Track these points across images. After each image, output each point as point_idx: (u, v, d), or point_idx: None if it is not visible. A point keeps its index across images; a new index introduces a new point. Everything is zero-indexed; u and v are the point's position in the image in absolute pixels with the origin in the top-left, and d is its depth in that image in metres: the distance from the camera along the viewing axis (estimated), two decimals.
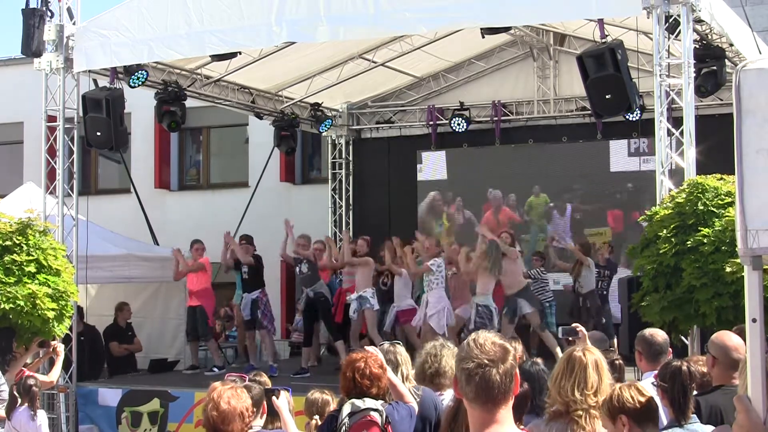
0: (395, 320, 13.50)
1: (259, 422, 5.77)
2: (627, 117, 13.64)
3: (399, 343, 6.30)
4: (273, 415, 6.01)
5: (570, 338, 6.87)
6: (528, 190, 16.77)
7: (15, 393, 8.78)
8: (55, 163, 12.86)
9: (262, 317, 13.92)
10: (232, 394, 4.76)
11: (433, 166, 17.44)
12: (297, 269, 13.77)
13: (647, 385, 5.70)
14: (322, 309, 13.66)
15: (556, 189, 16.63)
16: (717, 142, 10.20)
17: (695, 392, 5.68)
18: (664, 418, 5.53)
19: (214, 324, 15.42)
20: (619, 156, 15.93)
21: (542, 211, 16.68)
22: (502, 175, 17.00)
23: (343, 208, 18.46)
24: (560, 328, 8.07)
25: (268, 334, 14.16)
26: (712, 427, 4.95)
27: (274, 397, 5.85)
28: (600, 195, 16.31)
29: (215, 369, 13.75)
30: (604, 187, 16.27)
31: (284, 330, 17.98)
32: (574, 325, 7.39)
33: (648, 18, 10.37)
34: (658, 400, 5.48)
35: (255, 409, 5.66)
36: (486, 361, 3.10)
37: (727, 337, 5.59)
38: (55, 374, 10.32)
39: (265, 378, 6.98)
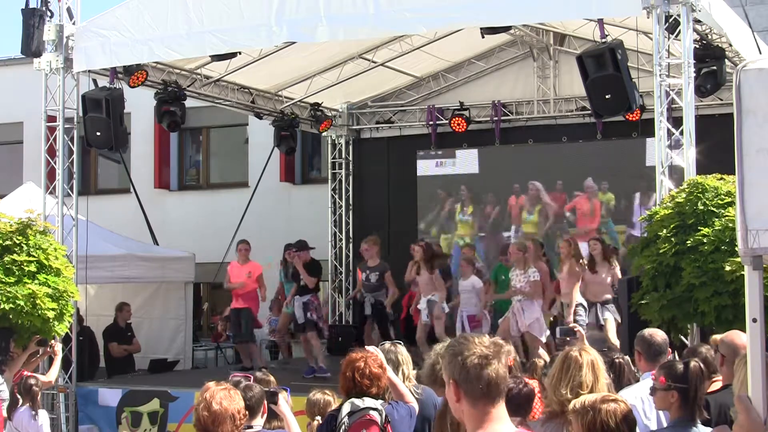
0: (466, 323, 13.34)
1: (259, 422, 5.77)
2: (627, 117, 13.62)
3: (400, 343, 6.31)
4: (271, 416, 6.02)
5: (567, 338, 6.87)
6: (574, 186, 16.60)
7: (16, 393, 8.79)
8: (55, 163, 12.86)
9: (318, 319, 13.77)
10: (224, 395, 4.72)
11: (465, 161, 17.30)
12: (364, 275, 13.74)
13: (645, 386, 5.70)
14: (381, 317, 13.77)
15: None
16: (717, 142, 10.19)
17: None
18: (663, 420, 5.52)
19: (259, 326, 15.22)
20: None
21: (612, 208, 16.41)
22: (535, 171, 16.84)
23: (343, 208, 18.44)
24: (558, 329, 8.08)
25: (317, 335, 13.76)
26: (710, 429, 4.95)
27: (274, 404, 5.86)
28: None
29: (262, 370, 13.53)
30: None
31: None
32: (571, 325, 7.40)
33: (648, 18, 10.36)
34: (650, 403, 5.46)
35: (255, 409, 5.67)
36: (491, 354, 3.12)
37: (737, 336, 5.60)
38: (54, 374, 10.34)
39: (271, 378, 6.99)
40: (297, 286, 13.60)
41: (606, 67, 10.79)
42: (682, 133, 10.06)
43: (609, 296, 12.37)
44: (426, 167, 17.53)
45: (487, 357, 3.09)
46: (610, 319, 12.26)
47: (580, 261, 12.59)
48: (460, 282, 13.53)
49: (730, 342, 5.56)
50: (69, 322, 11.19)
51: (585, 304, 12.39)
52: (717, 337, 8.17)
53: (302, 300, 13.52)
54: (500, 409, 3.12)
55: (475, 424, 3.11)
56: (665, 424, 5.44)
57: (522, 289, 12.46)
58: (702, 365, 5.33)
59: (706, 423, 5.13)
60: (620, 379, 6.37)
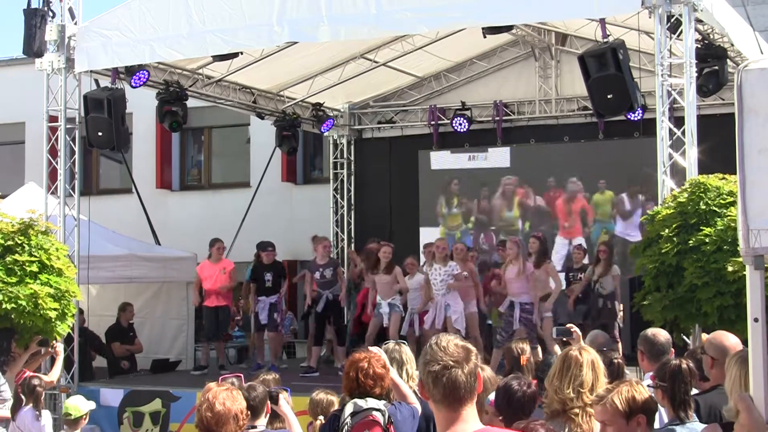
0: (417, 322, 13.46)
1: (262, 422, 5.78)
2: (629, 117, 13.62)
3: (404, 343, 6.30)
4: (273, 416, 6.03)
5: (564, 339, 6.87)
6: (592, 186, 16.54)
7: (20, 393, 8.80)
8: (57, 163, 12.86)
9: (280, 320, 14.13)
10: (227, 396, 4.72)
11: (498, 157, 17.25)
12: (318, 273, 13.82)
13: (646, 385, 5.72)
14: (338, 312, 13.93)
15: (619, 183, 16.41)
16: (719, 142, 10.19)
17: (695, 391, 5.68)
18: (665, 417, 5.54)
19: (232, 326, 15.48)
20: None
21: (608, 209, 16.39)
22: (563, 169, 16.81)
23: (345, 208, 18.45)
24: (555, 329, 8.07)
25: (278, 335, 14.18)
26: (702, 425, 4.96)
27: (275, 404, 5.87)
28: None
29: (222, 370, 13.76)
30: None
31: None
32: (568, 325, 7.39)
33: (650, 18, 10.36)
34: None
35: (258, 409, 5.68)
36: (451, 363, 3.19)
37: (724, 337, 5.61)
38: (56, 374, 10.35)
39: (272, 377, 6.99)
40: (259, 285, 14.09)
41: (608, 67, 10.78)
42: (684, 133, 10.06)
43: (547, 293, 12.63)
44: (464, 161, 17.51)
45: (447, 366, 3.18)
46: (549, 318, 12.58)
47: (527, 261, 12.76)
48: (407, 281, 13.50)
49: (719, 343, 5.56)
50: (71, 322, 11.19)
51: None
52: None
53: (269, 301, 13.94)
54: (467, 411, 3.20)
55: (443, 424, 3.22)
56: (665, 420, 5.47)
57: (446, 282, 12.76)
58: (689, 365, 5.36)
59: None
60: (618, 379, 6.37)
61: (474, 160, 17.30)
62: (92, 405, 8.91)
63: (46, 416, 8.82)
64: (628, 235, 15.89)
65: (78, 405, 8.49)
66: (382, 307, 13.23)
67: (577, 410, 4.66)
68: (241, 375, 6.40)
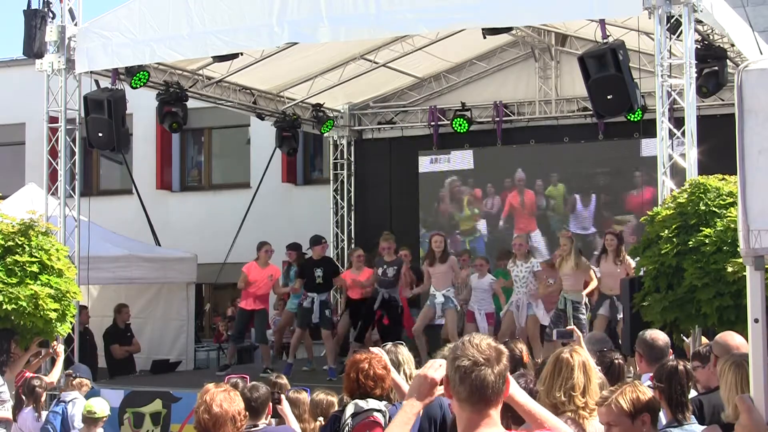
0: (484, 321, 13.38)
1: (264, 422, 5.79)
2: (628, 117, 13.62)
3: (401, 344, 6.30)
4: (275, 417, 6.05)
5: (564, 341, 6.86)
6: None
7: (21, 394, 8.81)
8: (57, 164, 12.86)
9: (333, 317, 14.00)
10: (224, 397, 4.72)
11: (460, 158, 17.30)
12: (380, 270, 13.64)
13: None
14: (395, 313, 13.79)
15: (579, 180, 16.49)
16: (719, 143, 10.18)
17: (700, 392, 5.70)
18: (663, 418, 5.54)
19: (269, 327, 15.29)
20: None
21: (561, 202, 16.49)
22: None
23: (345, 209, 18.45)
24: (555, 331, 8.05)
25: (332, 335, 13.84)
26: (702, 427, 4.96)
27: (279, 406, 5.89)
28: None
29: (269, 371, 13.59)
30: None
31: None
32: (568, 327, 7.39)
33: (649, 18, 10.37)
34: None
35: (260, 410, 5.69)
36: (482, 360, 3.08)
37: (730, 337, 5.63)
38: (56, 375, 10.35)
39: (284, 381, 7.01)
40: (309, 283, 13.66)
41: (607, 68, 10.78)
42: (683, 133, 10.07)
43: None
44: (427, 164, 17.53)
45: (477, 363, 3.07)
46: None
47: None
48: (476, 280, 13.50)
49: (724, 343, 5.58)
50: (71, 322, 11.19)
51: (587, 302, 12.54)
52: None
53: (319, 298, 13.63)
54: (491, 414, 3.10)
55: (465, 424, 3.12)
56: (663, 422, 5.47)
57: (528, 279, 12.73)
58: (686, 367, 5.37)
59: (701, 424, 5.15)
60: (619, 380, 6.37)
61: (438, 163, 17.37)
62: None
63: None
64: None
65: (102, 405, 8.54)
66: (437, 297, 13.16)
67: (569, 413, 4.64)
68: (247, 376, 6.40)
